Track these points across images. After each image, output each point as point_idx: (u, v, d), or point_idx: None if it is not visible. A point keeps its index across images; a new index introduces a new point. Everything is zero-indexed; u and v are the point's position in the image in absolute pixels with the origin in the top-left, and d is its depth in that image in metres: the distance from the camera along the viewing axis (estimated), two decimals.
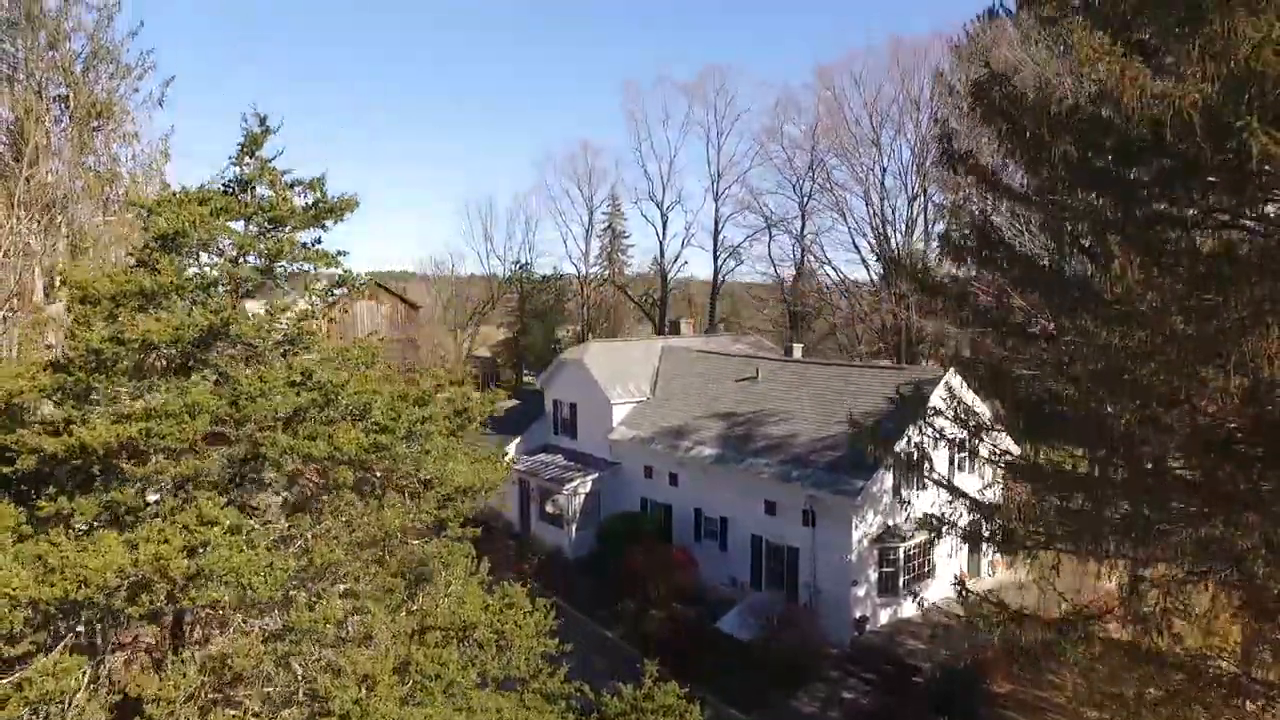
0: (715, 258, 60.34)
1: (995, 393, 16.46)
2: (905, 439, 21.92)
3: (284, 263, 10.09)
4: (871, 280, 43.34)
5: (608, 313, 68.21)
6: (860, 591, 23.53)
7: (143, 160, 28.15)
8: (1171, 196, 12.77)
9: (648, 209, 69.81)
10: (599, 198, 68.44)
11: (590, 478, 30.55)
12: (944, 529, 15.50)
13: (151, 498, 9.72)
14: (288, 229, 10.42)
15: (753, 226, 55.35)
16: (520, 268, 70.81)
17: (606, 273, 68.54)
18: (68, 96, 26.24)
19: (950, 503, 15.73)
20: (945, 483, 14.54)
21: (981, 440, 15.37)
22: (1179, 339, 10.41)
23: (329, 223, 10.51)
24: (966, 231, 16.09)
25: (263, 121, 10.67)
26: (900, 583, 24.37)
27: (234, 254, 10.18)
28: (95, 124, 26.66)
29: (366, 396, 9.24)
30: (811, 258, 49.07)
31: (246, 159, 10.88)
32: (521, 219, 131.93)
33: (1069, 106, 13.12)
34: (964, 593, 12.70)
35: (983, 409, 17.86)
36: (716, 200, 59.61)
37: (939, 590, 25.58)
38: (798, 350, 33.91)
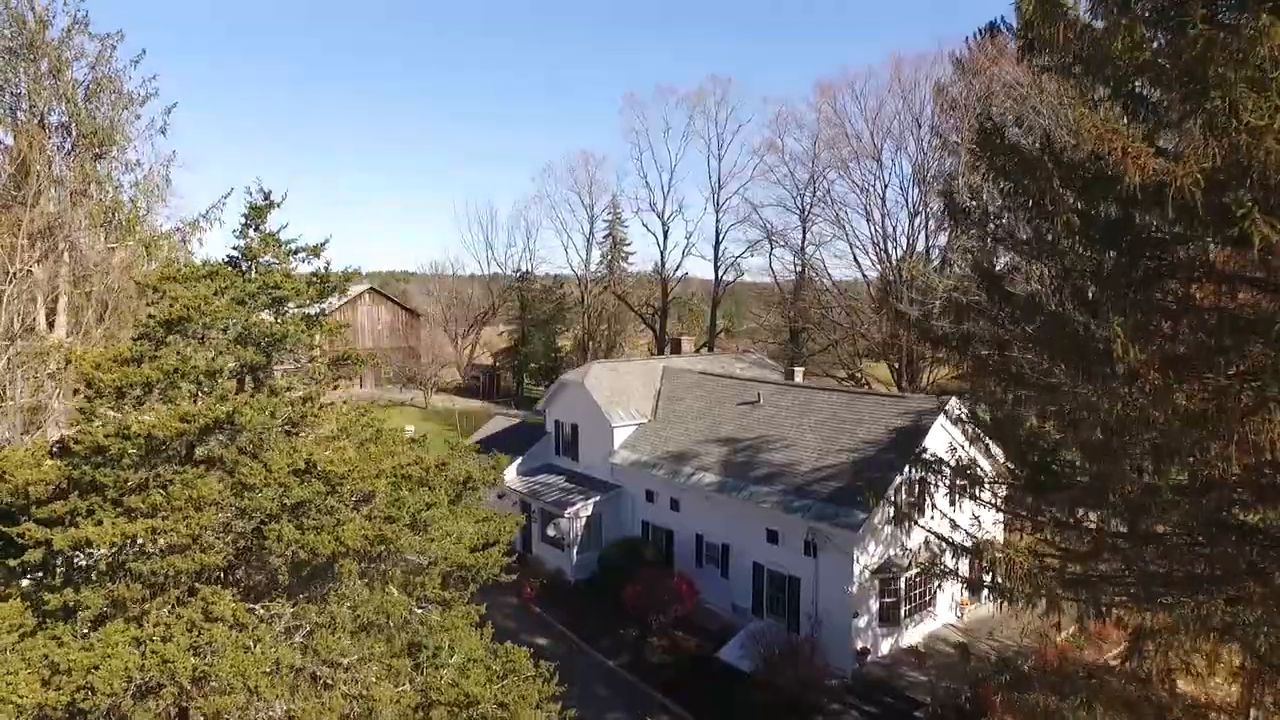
0: (716, 268, 60.39)
1: (999, 439, 16.53)
2: (907, 471, 21.99)
3: (289, 343, 10.10)
4: (871, 295, 43.33)
5: (609, 320, 68.23)
6: (861, 622, 23.57)
7: (145, 187, 28.26)
8: (1173, 257, 12.82)
9: (648, 219, 69.71)
10: (599, 206, 68.60)
11: (591, 501, 30.60)
12: (946, 575, 15.62)
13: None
14: (292, 306, 10.43)
15: (754, 238, 55.51)
16: (521, 276, 70.83)
17: (607, 281, 68.50)
18: (70, 125, 26.30)
19: (950, 544, 15.84)
20: (945, 538, 14.56)
21: (982, 489, 15.43)
22: (1181, 416, 10.42)
23: (332, 299, 10.51)
24: (970, 272, 16.15)
25: (266, 196, 10.70)
26: (901, 612, 24.40)
27: (238, 333, 10.20)
28: (97, 152, 26.71)
29: (369, 483, 9.26)
30: (812, 272, 49.09)
31: (250, 231, 10.91)
32: (522, 226, 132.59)
33: (1071, 160, 13.20)
34: (965, 655, 12.71)
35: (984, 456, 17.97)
36: (718, 210, 59.73)
37: (941, 616, 25.69)
38: (799, 374, 33.93)
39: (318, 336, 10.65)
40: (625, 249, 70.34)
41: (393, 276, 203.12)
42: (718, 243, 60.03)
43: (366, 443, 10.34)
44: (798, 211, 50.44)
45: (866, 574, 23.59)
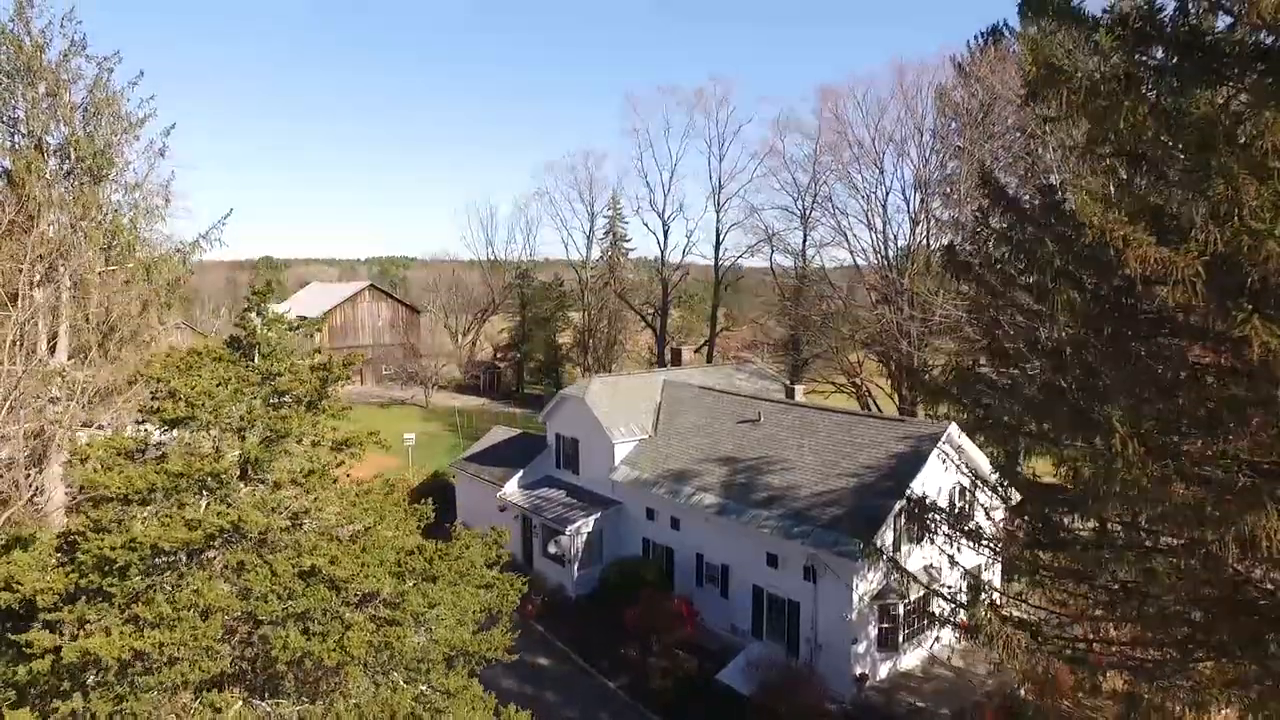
0: (717, 269, 60.22)
1: (1001, 480, 16.64)
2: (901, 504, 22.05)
3: (292, 437, 10.15)
4: (873, 302, 43.28)
5: (609, 318, 68.15)
6: (860, 648, 23.77)
7: (144, 208, 28.18)
8: (1173, 321, 12.85)
9: (649, 218, 69.18)
10: (600, 204, 68.41)
11: (593, 517, 30.75)
12: (943, 624, 15.84)
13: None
14: (293, 395, 10.48)
15: (755, 240, 55.56)
16: (521, 275, 70.80)
17: (607, 279, 68.38)
18: (68, 148, 26.19)
19: (946, 598, 16.01)
20: (940, 592, 14.68)
21: (979, 541, 15.55)
22: (1180, 507, 10.49)
23: (332, 390, 10.56)
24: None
25: (268, 284, 10.72)
26: (900, 637, 24.60)
27: (240, 425, 10.25)
28: (96, 175, 26.61)
29: (373, 584, 9.35)
30: (814, 275, 49.07)
31: (253, 315, 10.94)
32: (523, 223, 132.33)
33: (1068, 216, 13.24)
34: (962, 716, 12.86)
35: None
36: (718, 211, 59.53)
37: (940, 636, 25.89)
38: (799, 391, 33.98)
39: (322, 423, 10.69)
40: (625, 245, 70.24)
41: (393, 262, 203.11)
42: (718, 243, 60.02)
43: (370, 529, 10.41)
44: (798, 214, 50.42)
45: (866, 600, 23.76)
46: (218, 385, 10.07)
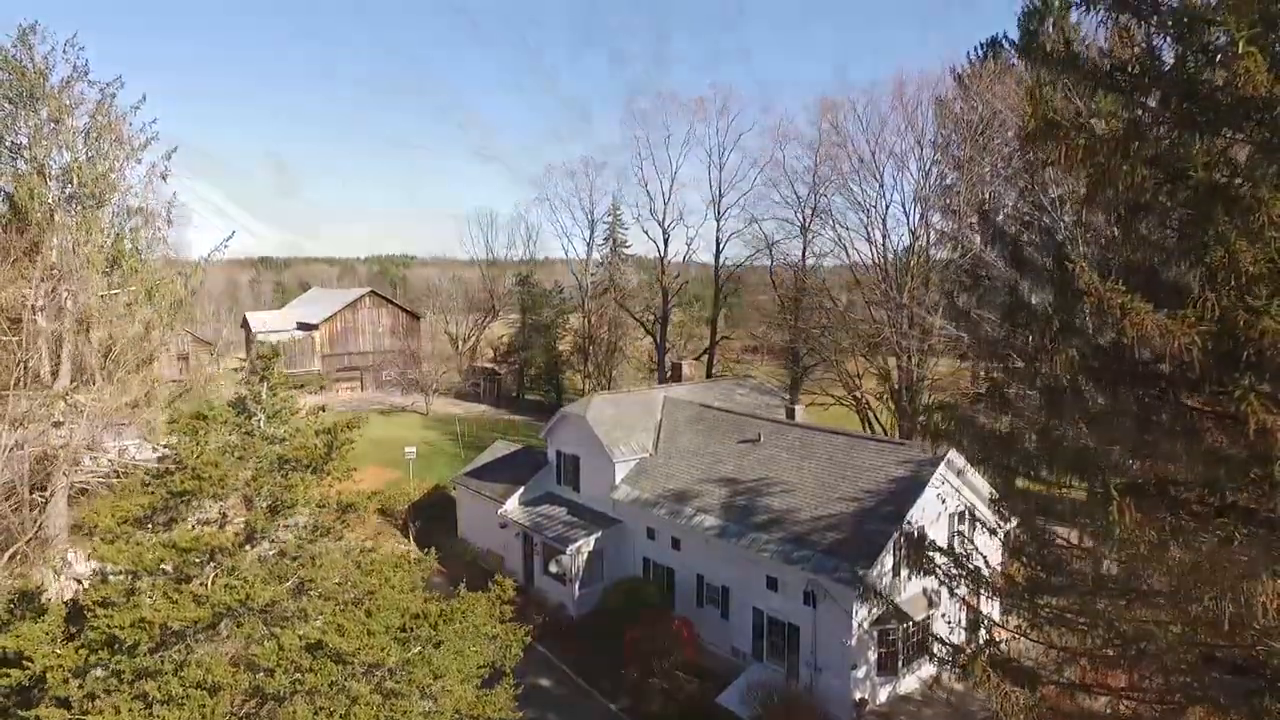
0: (717, 277, 60.24)
1: (1005, 502, 16.75)
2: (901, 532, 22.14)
3: (297, 509, 10.25)
4: (873, 318, 43.31)
5: (609, 325, 68.24)
6: (860, 673, 23.90)
7: (146, 230, 28.30)
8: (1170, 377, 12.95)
9: (649, 226, 68.92)
10: (600, 210, 68.50)
11: (593, 536, 30.85)
12: (953, 665, 15.98)
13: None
14: (296, 460, 10.58)
15: (754, 249, 55.63)
16: (520, 280, 70.89)
17: (606, 285, 68.45)
18: (71, 174, 26.29)
19: (943, 642, 16.16)
20: (940, 637, 14.80)
21: (978, 584, 15.68)
22: (1176, 571, 10.60)
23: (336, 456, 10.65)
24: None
25: (274, 350, 10.80)
26: (899, 661, 24.73)
27: (244, 494, 10.35)
28: (98, 199, 26.70)
29: (377, 653, 9.46)
30: (813, 288, 49.13)
31: (258, 381, 11.02)
32: (523, 229, 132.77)
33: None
34: None
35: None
36: (718, 219, 59.54)
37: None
38: (799, 412, 34.08)
39: (326, 484, 10.80)
40: (624, 250, 70.31)
41: (393, 261, 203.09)
42: (718, 251, 60.05)
43: (373, 591, 10.51)
44: (798, 224, 50.47)
45: (865, 625, 23.89)
46: (224, 454, 10.17)
